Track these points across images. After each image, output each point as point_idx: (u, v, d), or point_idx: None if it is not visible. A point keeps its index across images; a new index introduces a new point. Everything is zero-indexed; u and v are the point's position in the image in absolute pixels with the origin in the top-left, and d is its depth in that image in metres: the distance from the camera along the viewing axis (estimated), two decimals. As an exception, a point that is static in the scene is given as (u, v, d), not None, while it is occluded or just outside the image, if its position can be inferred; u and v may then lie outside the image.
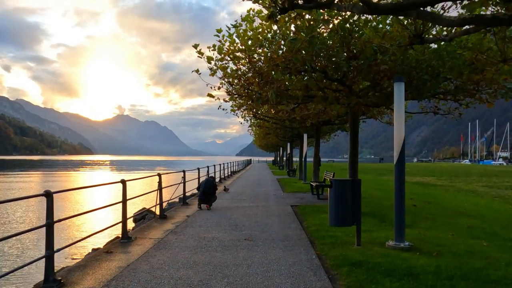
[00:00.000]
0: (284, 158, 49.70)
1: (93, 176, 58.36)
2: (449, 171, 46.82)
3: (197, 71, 9.54)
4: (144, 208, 16.87)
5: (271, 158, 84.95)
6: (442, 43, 7.87)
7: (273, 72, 8.77)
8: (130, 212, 18.39)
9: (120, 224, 8.09)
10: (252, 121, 22.90)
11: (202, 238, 8.05)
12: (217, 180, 23.62)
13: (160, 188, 10.96)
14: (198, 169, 16.90)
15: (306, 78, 9.58)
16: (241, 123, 19.75)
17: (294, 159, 43.15)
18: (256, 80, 9.64)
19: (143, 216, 15.79)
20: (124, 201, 8.04)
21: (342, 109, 15.04)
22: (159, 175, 10.96)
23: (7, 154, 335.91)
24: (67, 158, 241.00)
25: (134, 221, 15.95)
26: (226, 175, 29.23)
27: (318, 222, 9.59)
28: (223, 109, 17.24)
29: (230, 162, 34.24)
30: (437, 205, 13.52)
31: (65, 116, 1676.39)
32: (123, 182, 8.02)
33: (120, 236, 8.14)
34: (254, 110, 18.11)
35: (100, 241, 12.75)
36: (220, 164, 25.31)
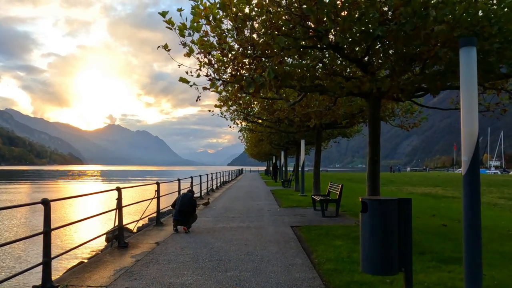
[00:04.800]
0: (271, 168, 47.10)
1: (64, 187, 55.04)
2: (451, 180, 44.45)
3: (165, 46, 6.92)
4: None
5: (263, 168, 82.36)
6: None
7: (269, 47, 6.19)
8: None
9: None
10: (243, 124, 20.28)
11: (166, 286, 5.36)
12: (204, 192, 20.90)
13: (119, 207, 8.28)
14: (179, 180, 14.21)
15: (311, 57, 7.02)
16: (230, 126, 17.11)
17: (289, 168, 40.52)
18: (246, 62, 7.08)
19: (115, 236, 13.06)
20: (46, 232, 5.32)
21: (351, 107, 12.53)
22: (119, 189, 8.28)
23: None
24: (55, 168, 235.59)
25: (107, 240, 13.26)
26: (215, 186, 26.49)
27: (333, 254, 6.94)
28: (209, 110, 14.65)
29: (220, 172, 31.54)
30: (470, 225, 10.95)
31: (55, 126, 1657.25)
32: (46, 203, 5.31)
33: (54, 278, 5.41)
34: (245, 111, 15.52)
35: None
36: (207, 174, 22.60)
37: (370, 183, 8.56)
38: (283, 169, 36.08)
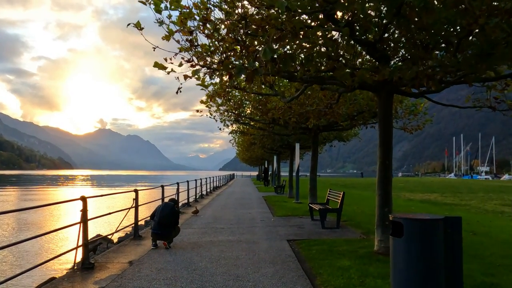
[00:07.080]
0: (263, 173, 45.72)
1: (38, 194, 53.19)
2: (447, 186, 43.56)
3: (137, 25, 5.65)
4: (100, 235, 12.65)
5: (255, 173, 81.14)
6: None
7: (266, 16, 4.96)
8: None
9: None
10: (234, 127, 18.99)
11: (130, 329, 4.06)
12: (191, 199, 19.53)
13: (84, 220, 6.94)
14: (162, 186, 12.88)
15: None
16: (220, 128, 15.82)
17: (282, 173, 39.28)
18: (237, 50, 5.85)
19: (95, 247, 11.69)
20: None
21: (352, 107, 11.35)
22: (83, 199, 6.94)
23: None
24: (42, 173, 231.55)
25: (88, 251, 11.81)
26: (204, 192, 25.14)
27: (342, 280, 5.67)
28: (197, 111, 13.36)
29: (211, 177, 30.22)
30: (487, 237, 9.80)
31: (45, 130, 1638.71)
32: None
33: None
34: (236, 112, 14.25)
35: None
36: (195, 180, 21.25)
37: (381, 191, 7.33)
38: (275, 173, 34.86)
